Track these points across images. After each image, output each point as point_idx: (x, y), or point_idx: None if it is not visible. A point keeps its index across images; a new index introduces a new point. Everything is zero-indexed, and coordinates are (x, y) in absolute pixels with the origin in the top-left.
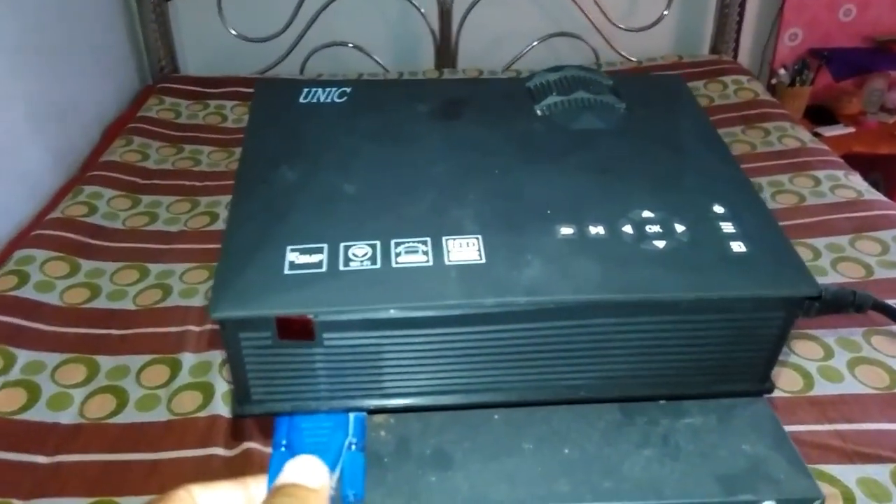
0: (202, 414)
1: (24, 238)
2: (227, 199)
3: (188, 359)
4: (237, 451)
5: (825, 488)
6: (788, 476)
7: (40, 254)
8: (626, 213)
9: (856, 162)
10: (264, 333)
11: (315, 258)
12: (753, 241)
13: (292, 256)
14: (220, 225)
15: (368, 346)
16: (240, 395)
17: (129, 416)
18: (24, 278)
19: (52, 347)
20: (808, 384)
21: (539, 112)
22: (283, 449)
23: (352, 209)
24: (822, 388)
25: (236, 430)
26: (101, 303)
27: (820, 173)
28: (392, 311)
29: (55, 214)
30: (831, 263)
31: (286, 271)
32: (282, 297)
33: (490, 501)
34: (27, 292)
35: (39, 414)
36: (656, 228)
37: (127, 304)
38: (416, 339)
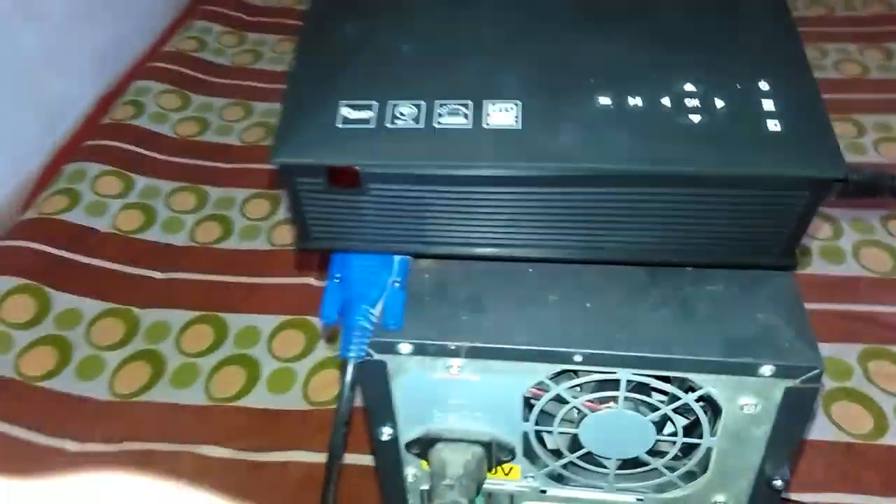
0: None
1: (140, 69)
2: None
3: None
4: (322, 282)
5: None
6: (793, 345)
7: (155, 86)
8: (668, 86)
9: None
10: (317, 179)
11: (365, 114)
12: (790, 121)
13: (344, 111)
14: None
15: (410, 197)
16: (300, 231)
17: (234, 243)
18: (140, 109)
19: (166, 176)
20: None
21: None
22: (336, 280)
23: (404, 70)
24: None
25: (328, 263)
26: (210, 137)
27: None
28: (430, 169)
29: (168, 48)
30: None
31: (338, 125)
32: (332, 149)
33: (510, 340)
34: (144, 122)
35: (155, 235)
36: (695, 103)
37: (233, 140)
38: (454, 195)
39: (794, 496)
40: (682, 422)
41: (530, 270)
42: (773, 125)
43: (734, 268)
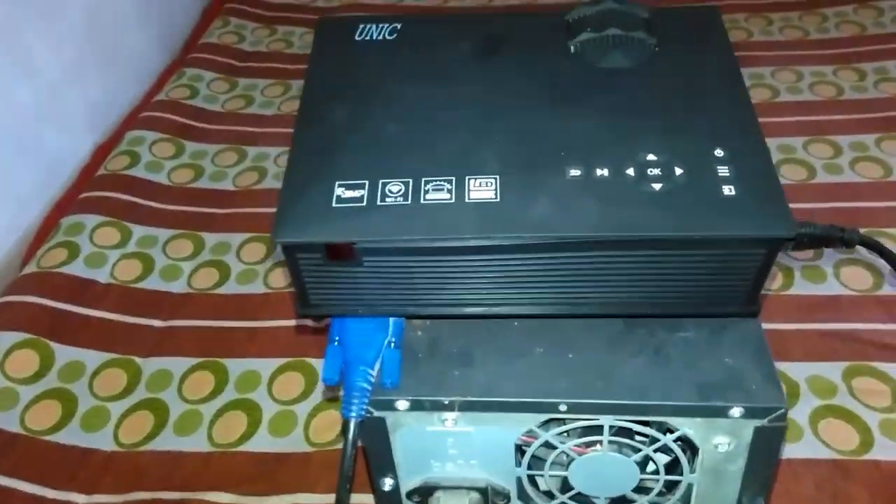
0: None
1: (133, 119)
2: None
3: None
4: (324, 323)
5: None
6: (760, 387)
7: (149, 135)
8: (632, 156)
9: None
10: (316, 255)
11: (358, 193)
12: (745, 185)
13: (339, 191)
14: None
15: (401, 267)
16: (300, 300)
17: (231, 287)
18: (135, 159)
19: (162, 223)
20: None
21: (572, 49)
22: (335, 343)
23: (391, 149)
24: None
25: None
26: (205, 183)
27: None
28: (419, 241)
29: (161, 97)
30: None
31: (334, 204)
32: (329, 227)
33: (500, 393)
34: (139, 172)
35: (153, 284)
36: (657, 171)
37: (227, 185)
38: (441, 264)
39: None
40: (663, 460)
41: (515, 324)
42: (729, 190)
43: (703, 317)
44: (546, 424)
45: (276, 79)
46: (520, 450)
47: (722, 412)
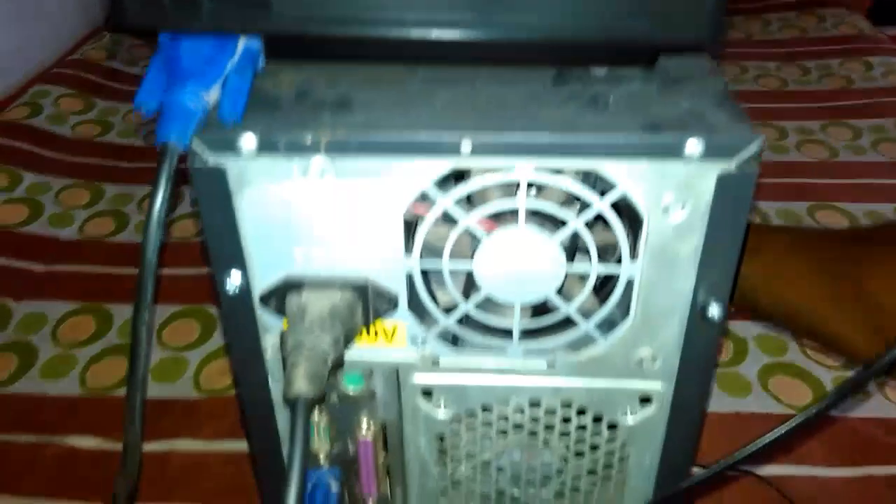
0: (196, 238)
1: (42, 76)
2: None
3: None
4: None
5: None
6: (725, 123)
7: (56, 90)
8: None
9: None
10: None
11: None
12: None
13: None
14: None
15: None
16: (114, 4)
17: (127, 237)
18: (36, 110)
19: (58, 173)
20: None
21: None
22: (161, 61)
23: None
24: None
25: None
26: (111, 138)
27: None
28: None
29: (75, 56)
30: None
31: None
32: None
33: (380, 128)
34: (39, 123)
35: (41, 229)
36: None
37: (137, 141)
38: None
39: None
40: (594, 249)
41: (417, 73)
42: None
43: (648, 51)
44: (444, 186)
45: None
46: (410, 231)
47: (675, 149)
